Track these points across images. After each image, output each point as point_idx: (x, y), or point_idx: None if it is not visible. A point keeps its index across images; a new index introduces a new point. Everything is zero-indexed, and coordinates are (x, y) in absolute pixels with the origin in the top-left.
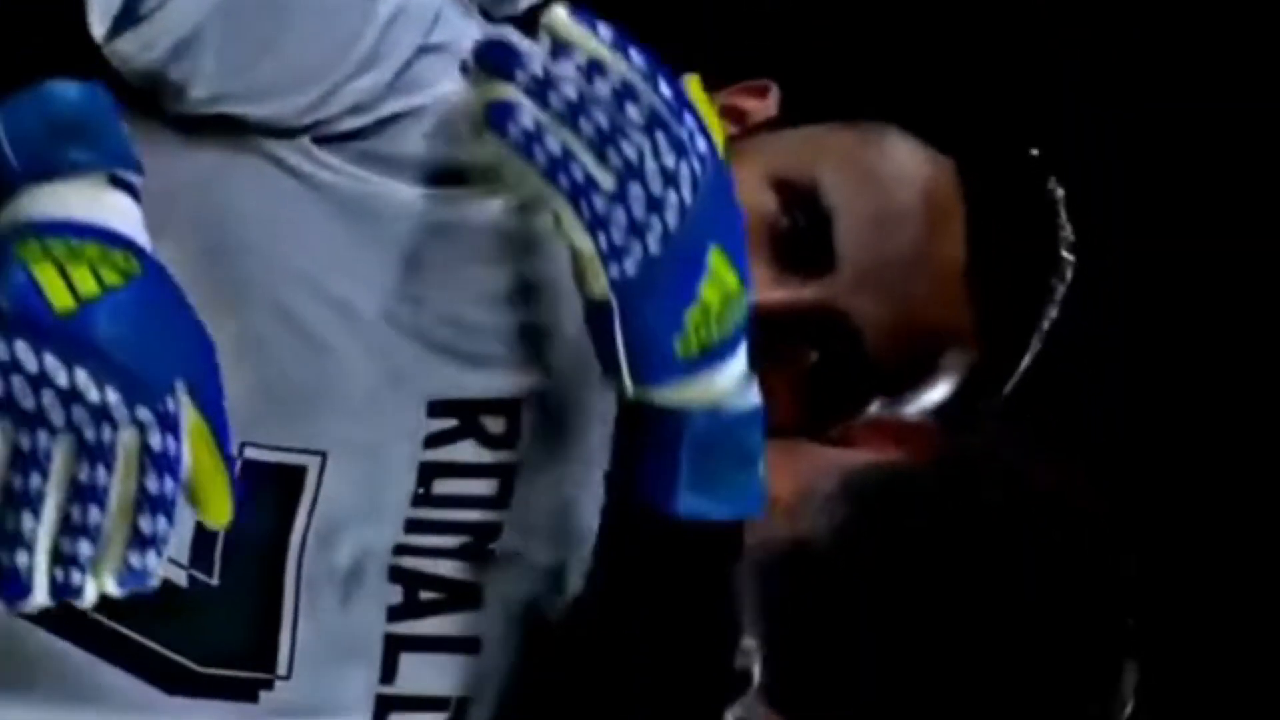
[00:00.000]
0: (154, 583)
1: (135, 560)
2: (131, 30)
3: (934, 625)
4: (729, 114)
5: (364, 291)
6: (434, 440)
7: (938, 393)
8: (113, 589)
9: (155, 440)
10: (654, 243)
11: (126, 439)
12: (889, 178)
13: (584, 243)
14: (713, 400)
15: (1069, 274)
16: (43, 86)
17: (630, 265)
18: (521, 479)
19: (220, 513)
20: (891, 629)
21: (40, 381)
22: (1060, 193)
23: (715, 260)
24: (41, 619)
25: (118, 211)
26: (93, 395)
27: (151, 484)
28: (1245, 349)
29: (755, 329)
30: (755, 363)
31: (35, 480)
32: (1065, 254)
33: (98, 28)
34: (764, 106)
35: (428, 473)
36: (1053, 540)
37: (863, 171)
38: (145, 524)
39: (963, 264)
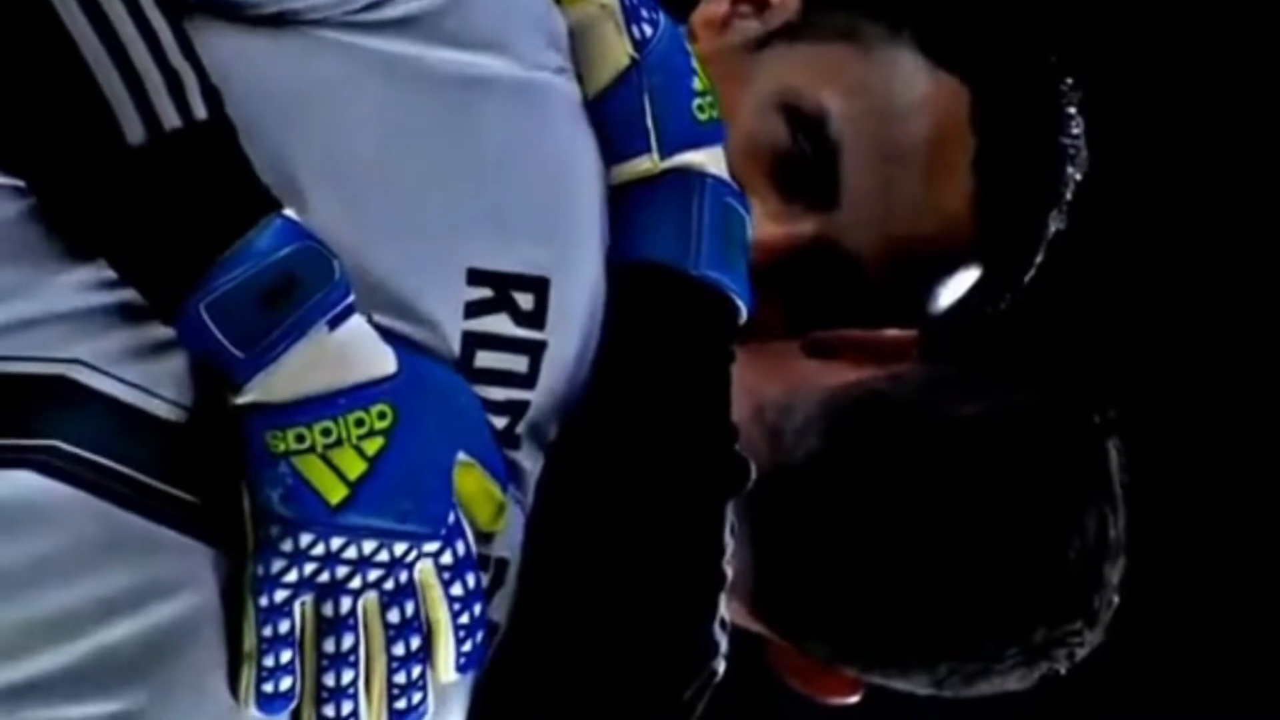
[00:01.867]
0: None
1: (467, 646)
2: None
3: (912, 542)
4: (750, 0)
5: (414, 159)
6: (473, 309)
7: (934, 311)
8: (454, 675)
9: (447, 558)
10: (654, 12)
11: (421, 568)
12: (900, 110)
13: None
14: (718, 176)
15: (1080, 172)
16: (234, 253)
17: (647, 27)
18: (547, 358)
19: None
20: (871, 547)
21: (331, 560)
22: (1074, 113)
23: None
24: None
25: (352, 353)
26: (382, 556)
27: (457, 589)
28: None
29: (753, 264)
30: (753, 294)
31: (348, 639)
32: (1073, 171)
33: None
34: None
35: (470, 343)
36: (1029, 454)
37: (874, 102)
38: (465, 618)
39: (970, 196)
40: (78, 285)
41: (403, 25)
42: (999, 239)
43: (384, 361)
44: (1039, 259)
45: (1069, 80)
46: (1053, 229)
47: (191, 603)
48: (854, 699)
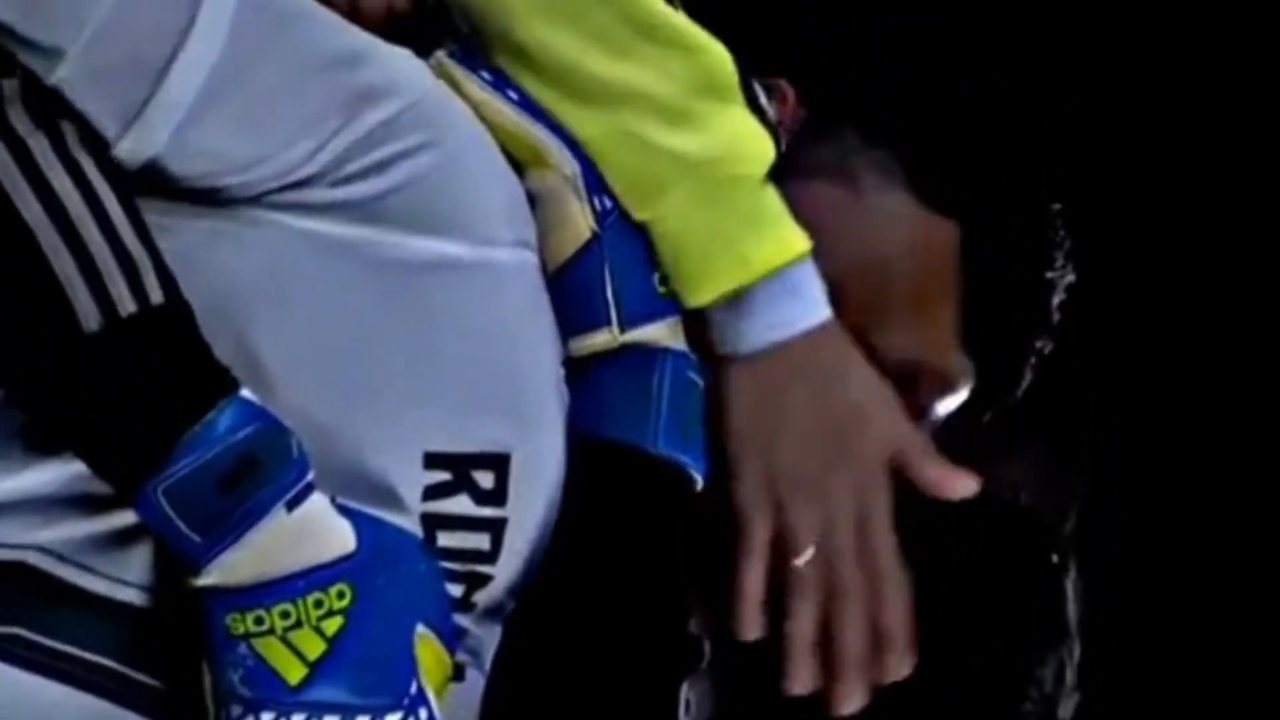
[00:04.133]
0: None
1: None
2: (136, 126)
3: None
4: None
5: (368, 346)
6: (431, 493)
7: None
8: None
9: None
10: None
11: None
12: (888, 257)
13: (571, 166)
14: (679, 350)
15: (1065, 291)
16: (192, 437)
17: (609, 201)
18: (508, 534)
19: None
20: None
21: None
22: (1062, 236)
23: None
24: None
25: (310, 533)
26: None
27: None
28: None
29: None
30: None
31: None
32: (1060, 298)
33: (110, 129)
34: (784, 113)
35: (430, 524)
36: (989, 609)
37: (863, 250)
38: None
39: (956, 331)
40: (43, 476)
41: (346, 208)
42: (987, 369)
43: (342, 540)
44: (1026, 380)
45: (1055, 204)
46: (1039, 349)
47: None
48: None
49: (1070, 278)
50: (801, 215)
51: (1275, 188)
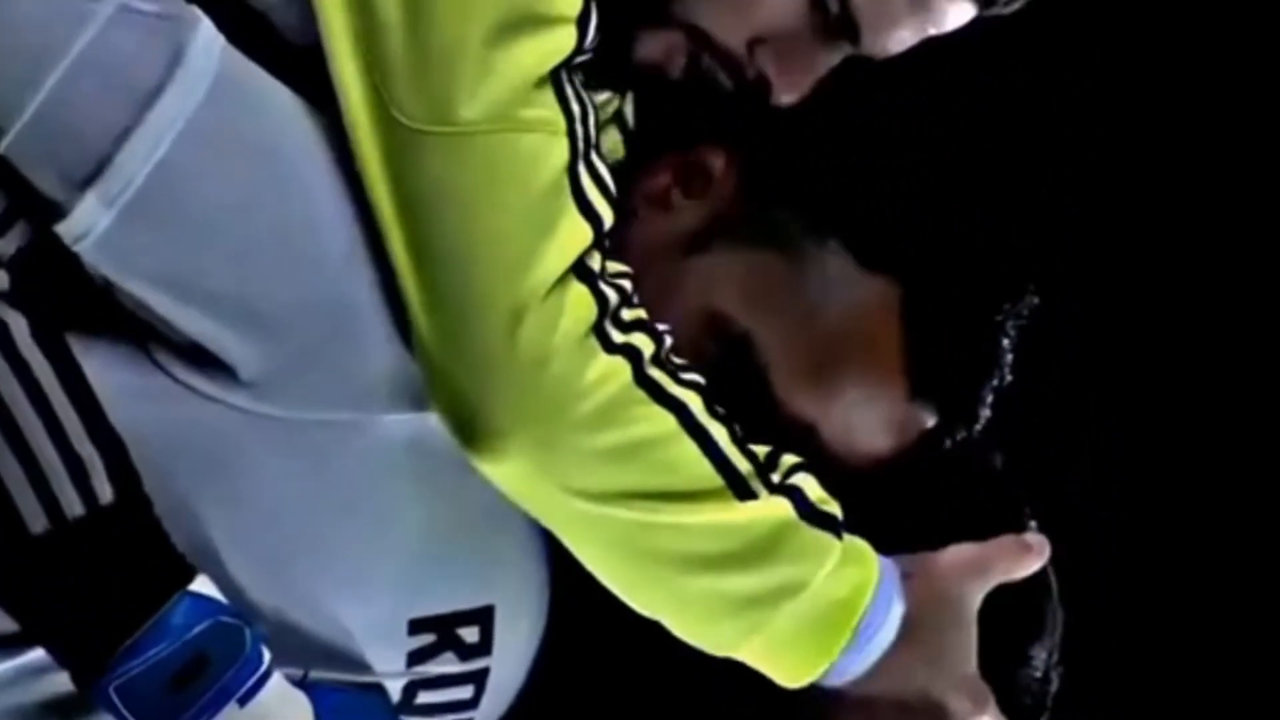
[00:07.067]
0: None
1: None
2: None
3: None
4: (694, 172)
5: (332, 524)
6: (416, 657)
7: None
8: None
9: None
10: None
11: None
12: (828, 322)
13: None
14: None
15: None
16: (144, 635)
17: None
18: (491, 679)
19: None
20: None
21: None
22: (1010, 284)
23: None
24: None
25: None
26: None
27: None
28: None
29: None
30: None
31: None
32: (1010, 341)
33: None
34: (725, 173)
35: (411, 688)
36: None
37: (800, 315)
38: None
39: (905, 390)
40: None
41: (277, 389)
42: (943, 410)
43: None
44: (984, 415)
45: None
46: (994, 387)
47: None
48: None
49: (1030, 305)
50: (743, 285)
51: (1271, 192)
